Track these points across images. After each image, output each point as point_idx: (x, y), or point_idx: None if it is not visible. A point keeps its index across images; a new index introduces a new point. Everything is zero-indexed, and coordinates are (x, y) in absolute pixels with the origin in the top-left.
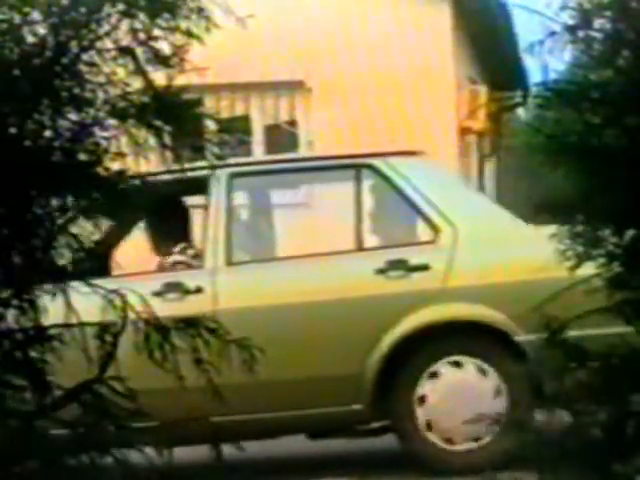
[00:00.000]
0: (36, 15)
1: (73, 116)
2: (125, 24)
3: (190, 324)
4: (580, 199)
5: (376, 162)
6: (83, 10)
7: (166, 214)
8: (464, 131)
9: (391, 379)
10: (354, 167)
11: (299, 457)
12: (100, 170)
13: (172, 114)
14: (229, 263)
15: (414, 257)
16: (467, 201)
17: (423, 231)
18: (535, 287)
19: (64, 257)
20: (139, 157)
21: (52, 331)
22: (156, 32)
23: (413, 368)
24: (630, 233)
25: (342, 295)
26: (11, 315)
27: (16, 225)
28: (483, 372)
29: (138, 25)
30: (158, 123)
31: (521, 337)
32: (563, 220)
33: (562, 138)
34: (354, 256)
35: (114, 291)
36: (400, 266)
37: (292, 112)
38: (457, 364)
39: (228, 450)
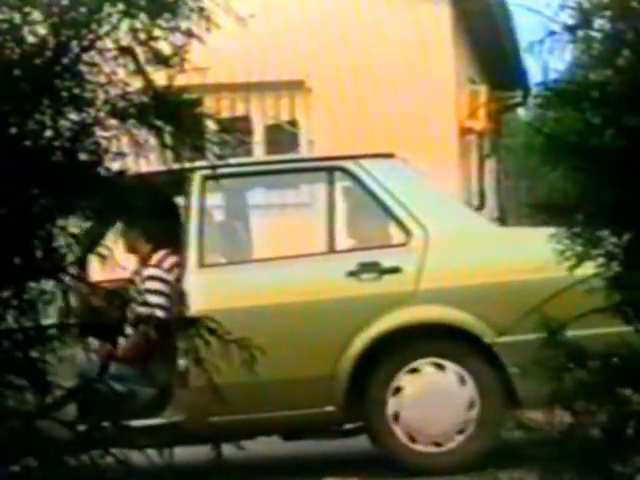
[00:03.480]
0: (36, 15)
1: (73, 116)
2: (125, 24)
3: (191, 324)
4: (580, 199)
5: (348, 164)
6: (83, 10)
7: (158, 213)
8: (464, 131)
9: (363, 381)
10: (326, 169)
11: (299, 457)
12: (100, 170)
13: (172, 114)
14: (201, 265)
15: (386, 259)
16: (438, 203)
17: (395, 233)
18: (506, 289)
19: (64, 257)
20: (139, 157)
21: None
22: (156, 32)
23: (385, 369)
24: (629, 233)
25: (314, 297)
26: (11, 315)
27: (16, 225)
28: (455, 374)
29: (138, 25)
30: (158, 123)
31: (492, 339)
32: (562, 220)
33: (562, 138)
34: (326, 258)
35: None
36: (372, 268)
37: (292, 112)
38: (429, 365)
39: (228, 450)
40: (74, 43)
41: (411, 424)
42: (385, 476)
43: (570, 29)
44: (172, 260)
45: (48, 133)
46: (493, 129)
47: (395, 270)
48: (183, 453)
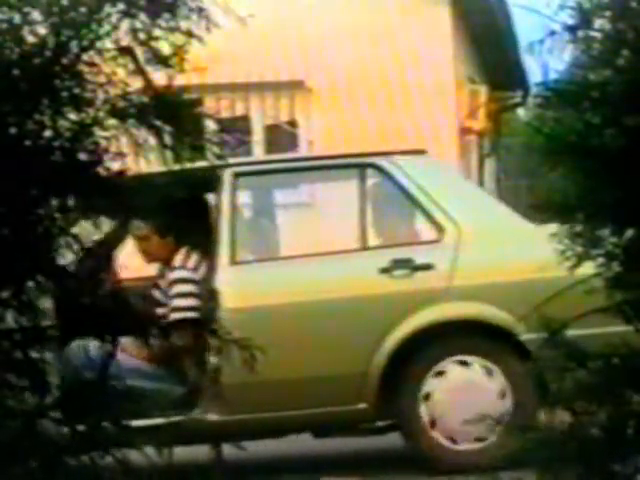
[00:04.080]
0: (36, 15)
1: (73, 116)
2: (125, 24)
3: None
4: (580, 199)
5: (380, 161)
6: (83, 10)
7: (186, 212)
8: (464, 131)
9: (396, 378)
10: (358, 166)
11: (299, 457)
12: (100, 170)
13: (172, 114)
14: (233, 262)
15: (418, 256)
16: (471, 200)
17: (427, 230)
18: (539, 286)
19: (64, 257)
20: (139, 157)
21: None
22: (156, 32)
23: (418, 367)
24: (629, 233)
25: (347, 294)
26: (11, 315)
27: (16, 225)
28: (488, 371)
29: (138, 25)
30: (158, 123)
31: (525, 336)
32: (562, 220)
33: (562, 138)
34: (358, 255)
35: None
36: (404, 265)
37: (292, 112)
38: (462, 363)
39: (228, 450)
40: (74, 43)
41: (447, 422)
42: (385, 476)
43: (570, 29)
44: (195, 258)
45: (47, 133)
46: (493, 129)
47: (428, 267)
48: (183, 453)
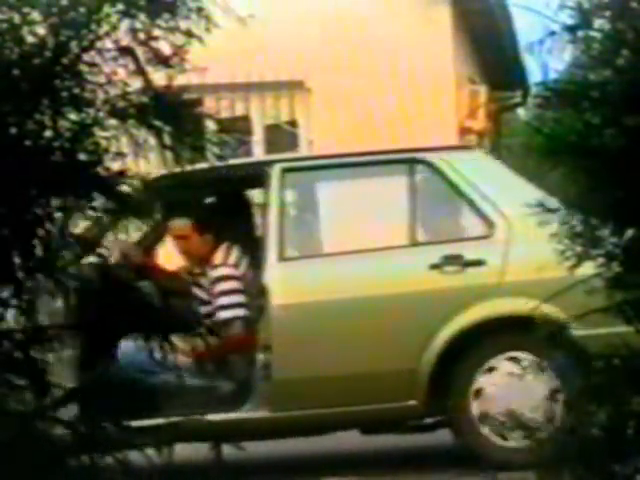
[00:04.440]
0: (36, 15)
1: (73, 116)
2: (125, 24)
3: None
4: (580, 199)
5: (430, 157)
6: (83, 10)
7: (228, 208)
8: (464, 131)
9: (446, 374)
10: (407, 162)
11: (299, 457)
12: (100, 170)
13: (172, 114)
14: (282, 258)
15: (469, 252)
16: (521, 195)
17: (477, 226)
18: (592, 281)
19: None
20: (139, 157)
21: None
22: (156, 32)
23: (469, 363)
24: (629, 233)
25: (397, 290)
26: (11, 315)
27: (16, 225)
28: (539, 368)
29: (138, 25)
30: (158, 123)
31: (577, 332)
32: (562, 220)
33: (562, 138)
34: (408, 251)
35: None
36: (455, 261)
37: (292, 112)
38: (513, 359)
39: (228, 450)
40: (74, 43)
41: (497, 418)
42: (385, 476)
43: (570, 29)
44: (235, 255)
45: (48, 133)
46: (493, 129)
47: (479, 263)
48: (183, 453)
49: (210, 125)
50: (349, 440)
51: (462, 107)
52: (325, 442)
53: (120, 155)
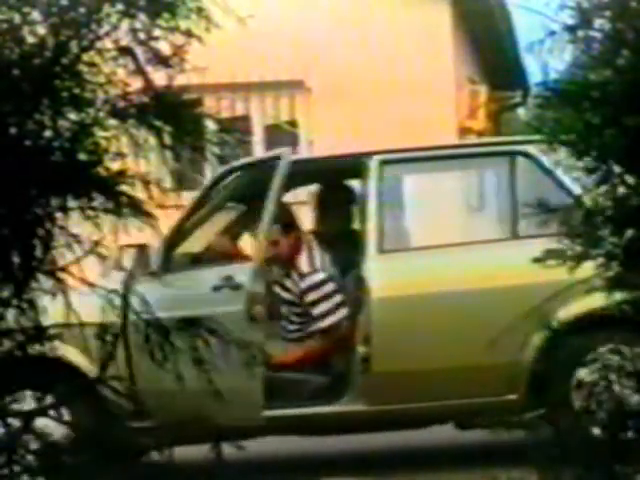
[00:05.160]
0: (36, 15)
1: (73, 116)
2: (125, 24)
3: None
4: (579, 198)
5: (531, 149)
6: (83, 10)
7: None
8: (464, 131)
9: (547, 368)
10: (508, 154)
11: (299, 457)
12: (100, 170)
13: (172, 114)
14: (381, 251)
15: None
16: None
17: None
18: None
19: (64, 257)
20: (139, 157)
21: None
22: (156, 32)
23: (570, 357)
24: (629, 233)
25: (498, 283)
26: (11, 315)
27: (16, 225)
28: None
29: (138, 25)
30: (158, 123)
31: None
32: (562, 220)
33: (562, 138)
34: (509, 244)
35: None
36: (557, 255)
37: (292, 112)
38: (615, 352)
39: (228, 450)
40: (74, 43)
41: (599, 413)
42: (385, 476)
43: (570, 29)
44: (318, 255)
45: (48, 133)
46: (493, 129)
47: (580, 256)
48: (183, 453)
49: (210, 125)
50: (349, 440)
51: (462, 107)
52: (325, 442)
53: (120, 155)
